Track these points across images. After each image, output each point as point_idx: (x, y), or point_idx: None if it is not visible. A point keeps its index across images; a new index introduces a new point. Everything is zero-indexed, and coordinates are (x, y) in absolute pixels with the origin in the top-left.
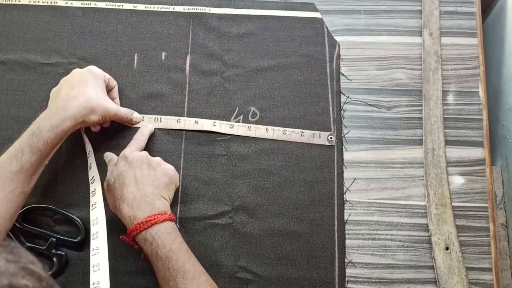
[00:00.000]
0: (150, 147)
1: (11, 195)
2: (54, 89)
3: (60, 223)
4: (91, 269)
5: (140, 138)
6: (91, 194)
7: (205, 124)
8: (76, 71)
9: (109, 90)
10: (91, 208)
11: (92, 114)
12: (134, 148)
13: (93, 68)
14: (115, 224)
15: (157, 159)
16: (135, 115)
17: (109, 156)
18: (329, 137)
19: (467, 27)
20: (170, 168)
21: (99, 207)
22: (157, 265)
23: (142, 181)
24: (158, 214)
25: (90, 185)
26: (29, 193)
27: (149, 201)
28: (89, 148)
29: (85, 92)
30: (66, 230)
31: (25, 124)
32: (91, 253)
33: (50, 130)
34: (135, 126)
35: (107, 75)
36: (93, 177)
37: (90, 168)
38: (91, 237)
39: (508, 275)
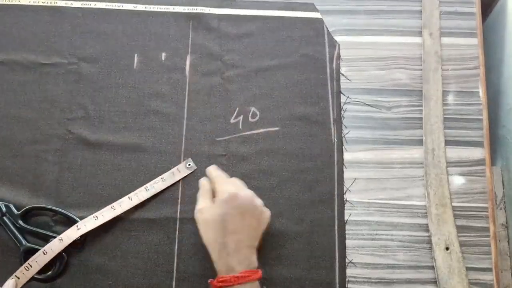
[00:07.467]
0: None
1: None
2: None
3: (60, 223)
4: None
5: (221, 174)
6: None
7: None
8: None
9: None
10: None
11: None
12: (235, 187)
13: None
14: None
15: (259, 204)
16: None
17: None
18: (187, 164)
19: (467, 27)
20: (268, 215)
21: None
22: None
23: (245, 232)
24: (253, 271)
25: None
26: None
27: (248, 255)
28: None
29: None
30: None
31: (25, 124)
32: None
33: None
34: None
35: None
36: None
37: None
38: None
39: (508, 275)
